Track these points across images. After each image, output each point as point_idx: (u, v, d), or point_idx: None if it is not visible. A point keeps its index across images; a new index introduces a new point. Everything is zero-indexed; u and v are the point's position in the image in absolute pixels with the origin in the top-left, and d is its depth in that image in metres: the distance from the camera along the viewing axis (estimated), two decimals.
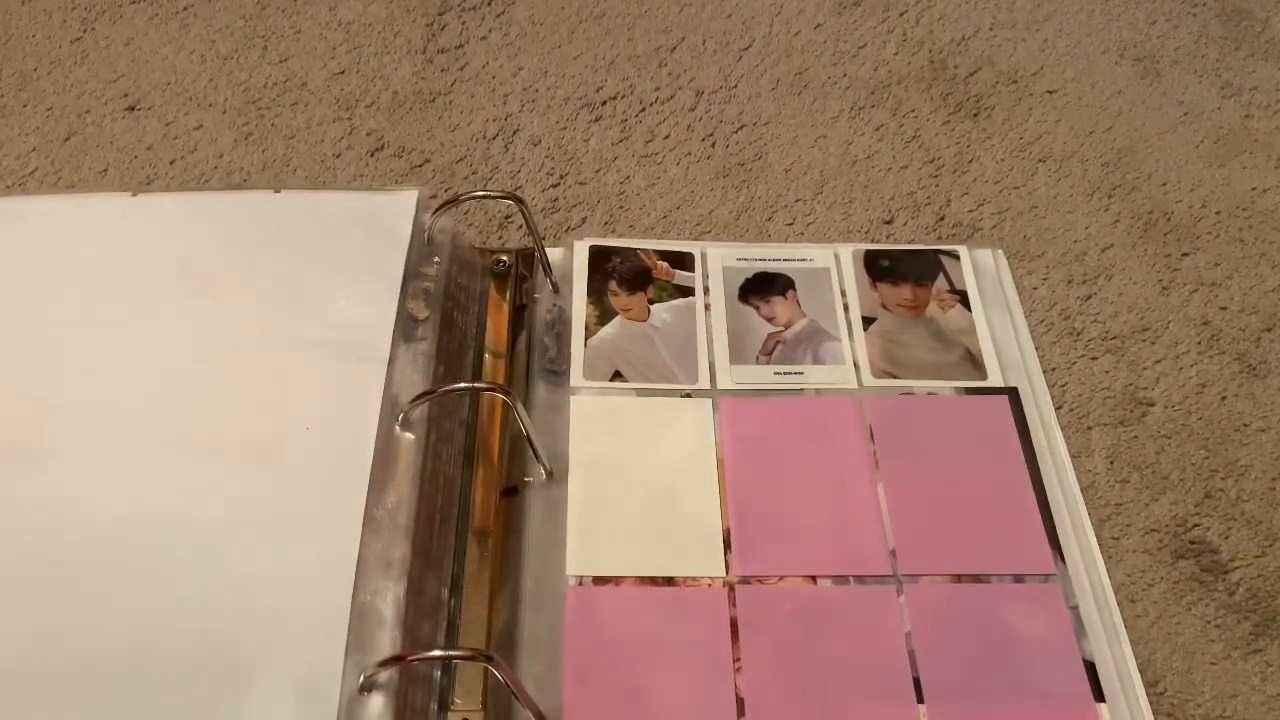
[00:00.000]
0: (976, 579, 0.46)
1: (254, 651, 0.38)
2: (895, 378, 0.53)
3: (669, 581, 0.46)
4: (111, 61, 0.66)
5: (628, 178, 0.62)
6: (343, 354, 0.46)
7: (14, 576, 0.40)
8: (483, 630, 0.43)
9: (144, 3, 0.70)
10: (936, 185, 0.62)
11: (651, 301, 0.55)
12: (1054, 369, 0.54)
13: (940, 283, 0.57)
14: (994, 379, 0.53)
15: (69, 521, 0.41)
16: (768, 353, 0.54)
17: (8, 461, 0.43)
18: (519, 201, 0.52)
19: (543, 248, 0.55)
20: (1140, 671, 0.45)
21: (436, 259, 0.51)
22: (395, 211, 0.51)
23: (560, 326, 0.54)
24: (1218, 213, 0.61)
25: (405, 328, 0.48)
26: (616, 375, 0.52)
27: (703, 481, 0.49)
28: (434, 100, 0.65)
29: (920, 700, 0.43)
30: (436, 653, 0.40)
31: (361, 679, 0.37)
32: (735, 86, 0.67)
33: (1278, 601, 0.47)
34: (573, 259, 0.56)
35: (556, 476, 0.49)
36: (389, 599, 0.40)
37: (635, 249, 0.57)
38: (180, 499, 0.42)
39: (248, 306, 0.47)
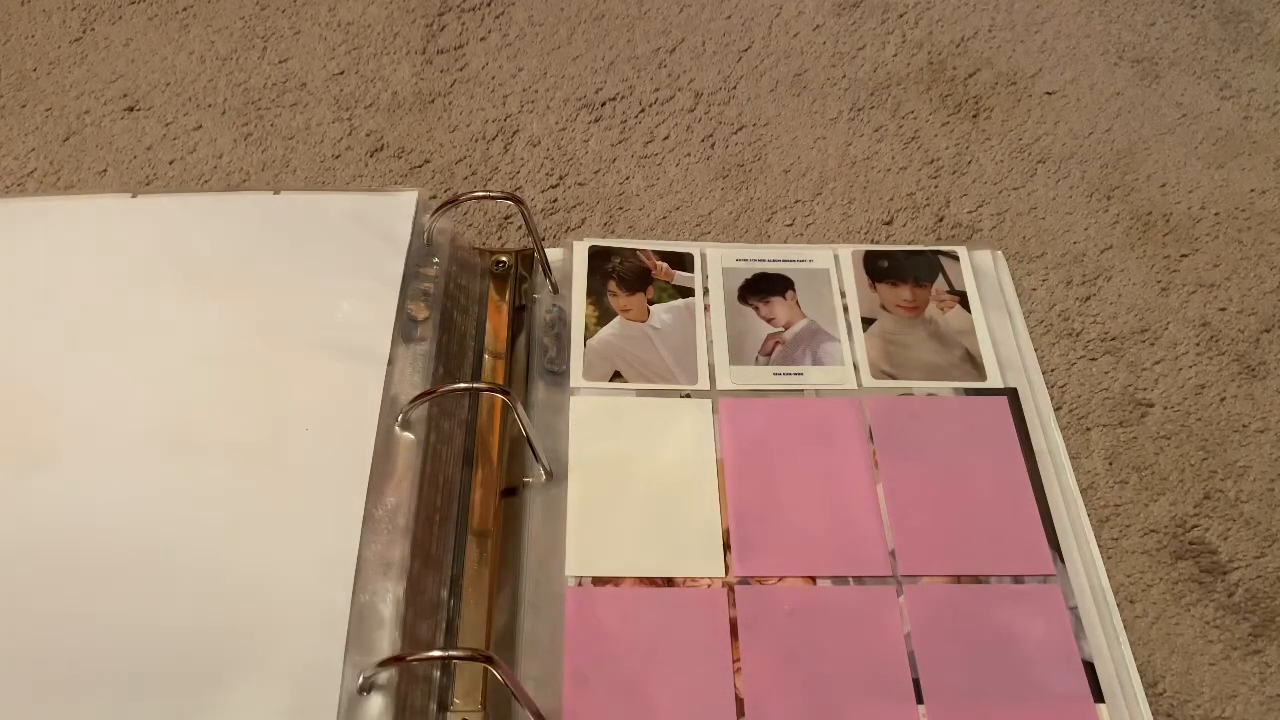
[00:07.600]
0: (976, 579, 0.46)
1: (253, 651, 0.38)
2: (894, 378, 0.53)
3: (669, 582, 0.46)
4: (111, 62, 0.66)
5: (627, 178, 0.62)
6: (342, 354, 0.46)
7: (14, 575, 0.40)
8: (482, 631, 0.43)
9: (143, 3, 0.70)
10: (936, 186, 0.62)
11: (651, 302, 0.55)
12: (1053, 370, 0.54)
13: (939, 283, 0.57)
14: (993, 380, 0.53)
15: (69, 521, 0.41)
16: (767, 353, 0.54)
17: (8, 461, 0.43)
18: (518, 202, 0.52)
19: (542, 248, 0.55)
20: (1139, 672, 0.45)
21: (436, 260, 0.51)
22: (395, 212, 0.51)
23: (560, 327, 0.54)
24: (1216, 214, 0.61)
25: (405, 328, 0.48)
26: (616, 376, 0.52)
27: (702, 482, 0.49)
28: (433, 101, 0.65)
29: (920, 701, 0.43)
30: (436, 653, 0.40)
31: (361, 679, 0.37)
32: (734, 88, 0.67)
33: (1276, 602, 0.47)
34: (572, 259, 0.56)
35: (556, 477, 0.49)
36: (388, 599, 0.40)
37: (635, 249, 0.57)
38: (180, 499, 0.42)
39: (247, 307, 0.47)
